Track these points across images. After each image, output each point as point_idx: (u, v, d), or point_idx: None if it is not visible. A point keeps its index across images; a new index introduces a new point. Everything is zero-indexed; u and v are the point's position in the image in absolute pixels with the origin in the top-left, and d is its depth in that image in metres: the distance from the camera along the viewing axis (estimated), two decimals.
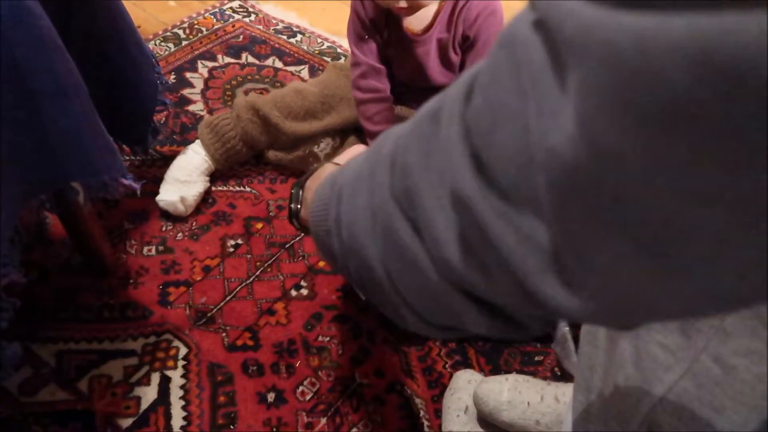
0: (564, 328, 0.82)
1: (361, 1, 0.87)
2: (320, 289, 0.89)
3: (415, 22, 0.86)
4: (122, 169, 0.73)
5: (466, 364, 0.83)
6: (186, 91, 1.20)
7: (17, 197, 0.65)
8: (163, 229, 0.96)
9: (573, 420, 0.55)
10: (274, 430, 0.75)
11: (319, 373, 0.81)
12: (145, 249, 0.93)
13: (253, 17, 1.40)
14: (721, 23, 0.16)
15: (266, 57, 1.29)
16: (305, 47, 1.32)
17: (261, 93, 1.20)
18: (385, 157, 0.36)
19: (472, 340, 0.85)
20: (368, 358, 0.83)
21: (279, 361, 0.81)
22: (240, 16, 1.40)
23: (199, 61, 1.27)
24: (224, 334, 0.83)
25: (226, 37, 1.34)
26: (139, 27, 0.95)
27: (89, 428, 0.74)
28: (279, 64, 1.28)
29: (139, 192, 0.74)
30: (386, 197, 0.35)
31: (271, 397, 0.78)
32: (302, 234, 0.84)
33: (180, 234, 0.96)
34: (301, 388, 0.79)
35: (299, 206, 0.64)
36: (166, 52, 1.29)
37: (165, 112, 1.13)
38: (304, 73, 1.26)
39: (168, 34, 1.34)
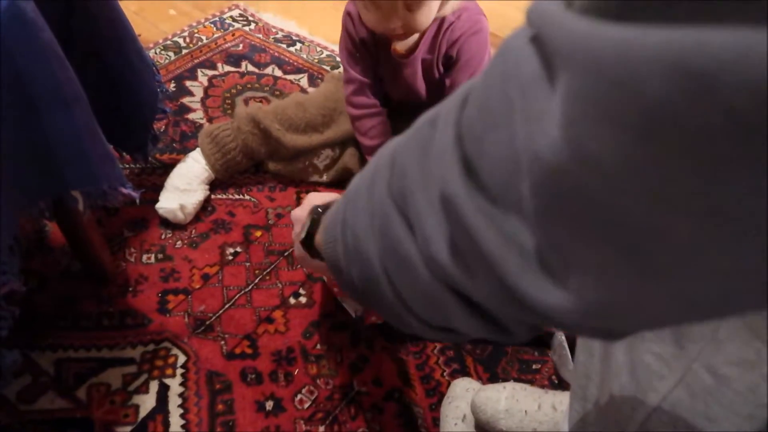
0: (560, 337, 0.83)
1: (351, 19, 0.88)
2: (319, 297, 0.90)
3: (400, 44, 0.86)
4: (122, 177, 0.73)
5: (463, 372, 0.83)
6: (186, 100, 1.21)
7: (17, 205, 0.66)
8: (163, 237, 0.96)
9: (570, 428, 0.55)
10: None
11: (318, 381, 0.81)
12: (145, 257, 0.93)
13: (252, 26, 1.41)
14: (696, 36, 0.17)
15: (266, 66, 1.30)
16: (305, 56, 1.33)
17: (261, 102, 1.20)
18: (386, 159, 0.38)
19: (470, 344, 0.86)
20: (366, 366, 0.83)
21: (277, 369, 0.81)
22: (240, 25, 1.41)
23: (199, 70, 1.28)
24: (223, 342, 0.83)
25: (226, 45, 1.35)
26: (139, 36, 0.96)
27: None
28: (278, 73, 1.28)
29: (138, 201, 0.74)
30: (384, 196, 0.36)
31: (269, 405, 0.78)
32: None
33: (179, 242, 0.96)
34: (299, 396, 0.79)
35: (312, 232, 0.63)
36: (167, 61, 1.30)
37: (165, 121, 1.14)
38: (304, 81, 1.27)
39: (168, 42, 1.35)
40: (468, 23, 0.84)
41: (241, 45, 1.35)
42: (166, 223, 0.98)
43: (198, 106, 1.20)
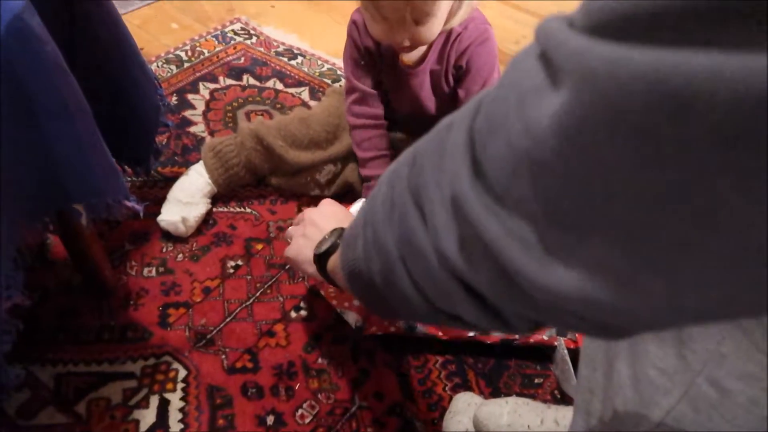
0: (563, 351, 0.83)
1: (357, 28, 0.88)
2: (320, 310, 0.89)
3: (407, 56, 0.87)
4: (125, 190, 0.73)
5: (465, 387, 0.83)
6: (188, 113, 1.21)
7: (20, 218, 0.66)
8: (164, 250, 0.96)
9: None
10: None
11: (319, 395, 0.80)
12: (146, 270, 0.93)
13: (254, 39, 1.42)
14: (675, 58, 0.19)
15: (267, 79, 1.31)
16: (306, 69, 1.34)
17: (262, 115, 1.21)
18: (409, 156, 0.42)
19: (472, 358, 0.86)
20: (368, 380, 0.82)
21: (278, 383, 0.81)
22: (241, 39, 1.42)
23: (200, 83, 1.29)
24: (224, 356, 0.83)
25: (228, 59, 1.35)
26: (142, 49, 0.97)
27: None
28: (280, 86, 1.29)
29: (141, 214, 0.74)
30: (404, 189, 0.40)
31: (270, 420, 0.78)
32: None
33: (180, 255, 0.96)
34: (300, 410, 0.79)
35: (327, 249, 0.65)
36: (169, 74, 1.30)
37: (167, 134, 1.14)
38: (305, 95, 1.27)
39: (170, 56, 1.35)
40: (476, 33, 0.85)
41: (242, 58, 1.36)
42: (168, 236, 0.98)
43: (200, 119, 1.20)
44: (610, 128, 0.22)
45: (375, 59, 0.90)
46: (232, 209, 1.03)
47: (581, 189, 0.25)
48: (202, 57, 1.36)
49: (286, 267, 0.95)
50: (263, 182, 1.06)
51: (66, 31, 0.78)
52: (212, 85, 1.28)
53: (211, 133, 1.17)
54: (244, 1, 1.57)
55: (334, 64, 1.36)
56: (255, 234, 1.00)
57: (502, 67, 0.38)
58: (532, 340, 0.84)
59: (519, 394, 0.81)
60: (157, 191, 1.04)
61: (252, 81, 1.30)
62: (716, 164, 0.20)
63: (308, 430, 0.77)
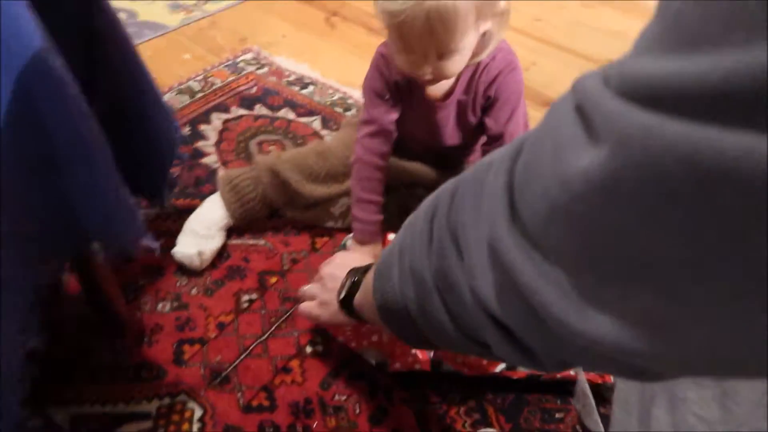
0: (584, 385, 0.81)
1: (385, 60, 0.86)
2: (335, 345, 0.88)
3: (436, 89, 0.86)
4: (142, 229, 0.73)
5: (485, 423, 0.81)
6: (200, 144, 1.21)
7: (37, 260, 0.65)
8: (178, 284, 0.96)
9: None
10: None
11: None
12: (160, 305, 0.93)
13: (266, 69, 1.43)
14: (707, 134, 0.20)
15: (279, 108, 1.31)
16: (317, 98, 1.34)
17: (275, 145, 1.21)
18: (449, 191, 0.43)
19: (492, 394, 0.84)
20: (386, 417, 0.81)
21: (295, 422, 0.80)
22: (253, 68, 1.43)
23: (213, 113, 1.29)
24: (239, 394, 0.82)
25: (240, 89, 1.36)
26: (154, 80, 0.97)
27: None
28: (292, 116, 1.29)
29: (158, 252, 0.74)
30: (443, 224, 0.42)
31: None
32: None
33: (194, 289, 0.95)
34: None
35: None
36: (182, 105, 1.31)
37: (179, 166, 1.14)
38: (317, 124, 1.27)
39: (183, 86, 1.36)
40: (503, 62, 0.85)
41: (254, 88, 1.37)
42: (182, 269, 0.97)
43: (212, 150, 1.21)
44: (644, 190, 0.23)
45: (404, 93, 0.88)
46: (245, 241, 1.03)
47: (619, 242, 0.26)
48: (214, 87, 1.36)
49: (300, 300, 0.94)
50: (276, 213, 1.05)
51: (87, 70, 0.78)
52: (224, 116, 1.29)
53: (224, 164, 1.17)
54: (256, 32, 1.58)
55: (345, 92, 1.36)
56: (269, 266, 0.99)
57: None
58: (558, 376, 0.83)
59: (539, 430, 0.80)
60: (169, 224, 1.04)
61: (264, 111, 1.30)
62: (751, 226, 0.21)
63: None
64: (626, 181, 0.24)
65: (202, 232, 0.96)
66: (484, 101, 0.87)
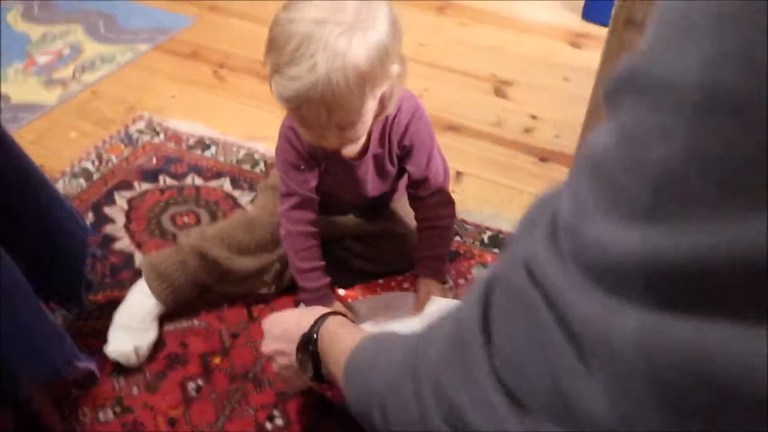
0: None
1: (294, 132, 0.87)
2: (294, 415, 0.88)
3: (350, 149, 0.88)
4: (74, 350, 0.69)
5: None
6: (108, 229, 1.16)
7: None
8: (116, 387, 0.91)
9: None
10: None
11: None
12: (101, 414, 0.88)
13: (162, 136, 1.38)
14: (715, 334, 0.20)
15: (184, 176, 1.28)
16: (222, 159, 1.32)
17: (188, 216, 1.18)
18: (425, 381, 0.39)
19: None
20: None
21: None
22: (148, 137, 1.38)
23: (115, 193, 1.24)
24: None
25: (139, 162, 1.31)
26: (41, 166, 0.91)
27: None
28: (199, 182, 1.27)
29: (98, 373, 0.70)
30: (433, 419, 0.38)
31: None
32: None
33: (135, 388, 0.91)
34: None
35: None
36: (79, 190, 1.24)
37: (94, 261, 1.09)
38: (227, 185, 1.25)
39: (76, 169, 1.29)
40: (409, 112, 0.88)
41: (154, 158, 1.32)
42: (118, 368, 0.92)
43: (122, 233, 1.16)
44: (642, 399, 0.23)
45: (318, 158, 0.89)
46: (179, 324, 1.00)
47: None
48: (111, 165, 1.31)
49: (249, 376, 0.92)
50: (207, 290, 1.03)
51: None
52: (128, 194, 1.24)
53: (139, 246, 1.13)
54: (143, 97, 1.53)
55: (249, 148, 1.34)
56: (209, 347, 0.97)
57: None
58: None
59: None
60: (93, 323, 0.99)
61: (169, 181, 1.27)
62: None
63: None
64: (629, 392, 0.23)
65: (135, 325, 0.92)
66: (399, 151, 0.90)
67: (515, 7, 1.89)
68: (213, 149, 1.35)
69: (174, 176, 1.28)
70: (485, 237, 1.14)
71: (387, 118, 0.86)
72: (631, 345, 0.22)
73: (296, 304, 1.00)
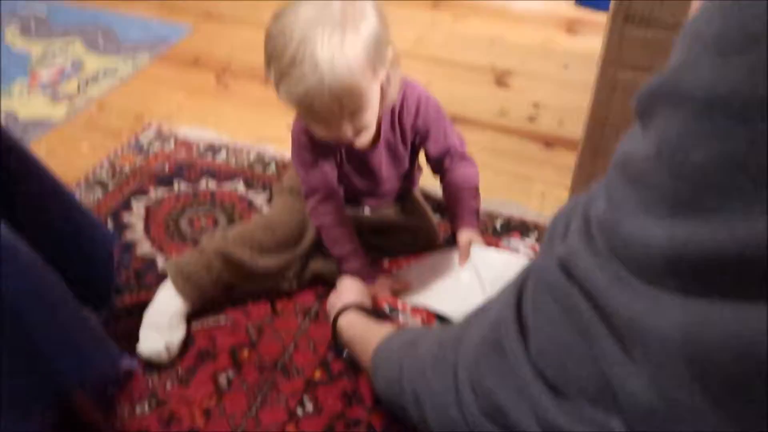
0: None
1: (306, 132, 0.90)
2: (324, 400, 0.91)
3: (363, 140, 0.91)
4: (116, 352, 0.72)
5: None
6: (128, 235, 1.19)
7: (21, 414, 0.64)
8: (150, 384, 0.94)
9: None
10: None
11: None
12: (138, 409, 0.91)
13: (172, 143, 1.42)
14: (756, 314, 0.22)
15: (198, 180, 1.31)
16: (233, 162, 1.36)
17: (206, 218, 1.21)
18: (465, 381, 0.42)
19: None
20: None
21: None
22: (159, 145, 1.41)
23: (132, 201, 1.27)
24: None
25: (152, 170, 1.35)
26: None
27: None
28: (213, 185, 1.30)
29: (140, 370, 0.73)
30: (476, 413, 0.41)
31: None
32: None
33: (168, 383, 0.94)
34: None
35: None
36: (96, 199, 1.28)
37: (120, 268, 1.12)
38: (241, 187, 1.29)
39: (91, 180, 1.33)
40: (416, 96, 0.93)
41: (166, 165, 1.35)
42: (150, 365, 0.96)
43: (143, 238, 1.19)
44: (692, 384, 0.26)
45: (334, 150, 0.93)
46: (206, 322, 1.03)
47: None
48: (125, 174, 1.34)
49: (277, 365, 0.96)
50: (231, 288, 1.06)
51: (7, 208, 0.76)
52: (145, 200, 1.27)
53: (161, 250, 1.16)
54: (151, 106, 1.56)
55: (259, 151, 1.38)
56: (237, 341, 1.00)
57: None
58: None
59: None
60: (123, 324, 1.02)
61: (184, 186, 1.30)
62: None
63: None
64: (678, 376, 0.26)
65: (164, 324, 0.95)
66: (413, 135, 0.94)
67: None
68: (224, 153, 1.38)
69: (188, 181, 1.31)
70: (497, 224, 1.18)
71: (394, 106, 0.90)
72: (677, 333, 0.24)
73: (318, 298, 1.04)
